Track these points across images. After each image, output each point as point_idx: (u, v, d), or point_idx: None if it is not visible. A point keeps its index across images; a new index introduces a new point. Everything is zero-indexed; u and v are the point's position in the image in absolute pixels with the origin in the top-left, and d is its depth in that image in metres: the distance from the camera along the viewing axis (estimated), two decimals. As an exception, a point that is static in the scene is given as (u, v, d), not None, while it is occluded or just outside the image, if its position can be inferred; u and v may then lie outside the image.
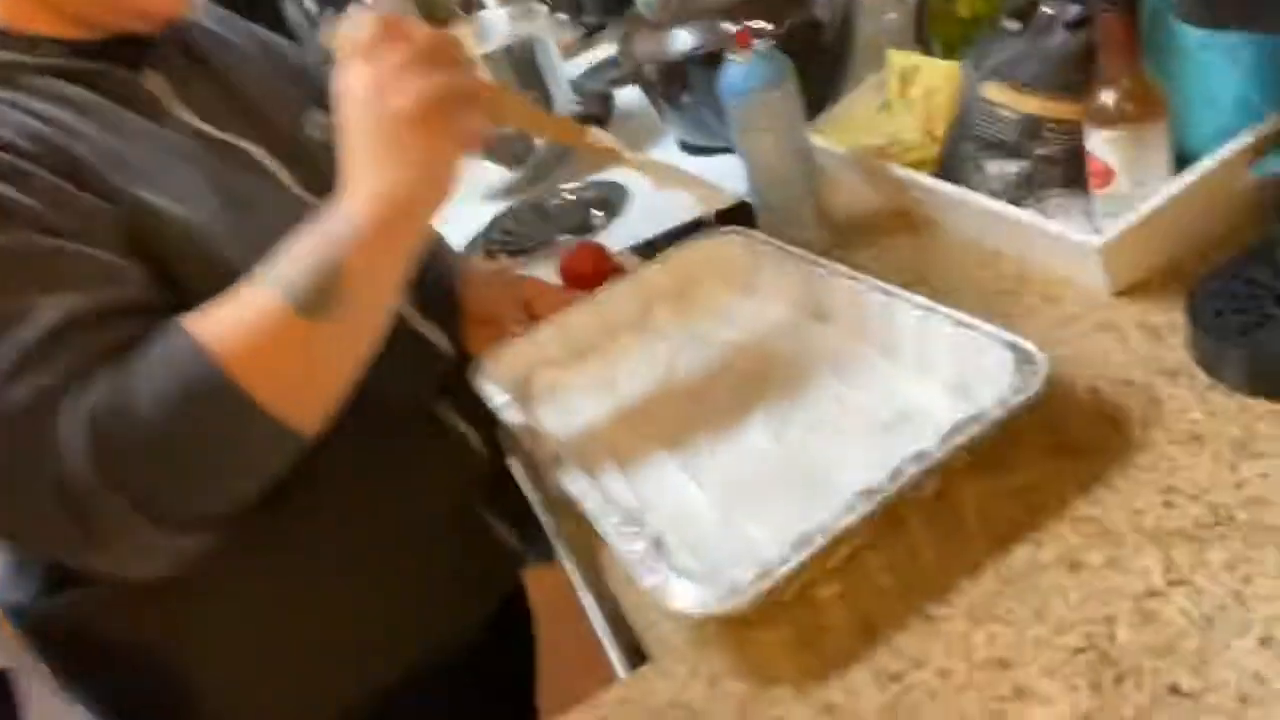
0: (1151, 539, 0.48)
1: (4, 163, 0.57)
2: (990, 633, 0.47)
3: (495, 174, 1.19)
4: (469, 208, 1.17)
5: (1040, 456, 0.54)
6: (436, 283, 0.82)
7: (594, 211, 1.06)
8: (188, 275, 0.62)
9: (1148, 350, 0.59)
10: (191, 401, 0.53)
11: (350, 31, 0.54)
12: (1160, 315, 0.61)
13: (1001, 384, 0.53)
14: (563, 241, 1.02)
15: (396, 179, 0.53)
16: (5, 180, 0.56)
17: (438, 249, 0.89)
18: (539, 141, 1.16)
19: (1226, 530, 0.47)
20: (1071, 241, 0.63)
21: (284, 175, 0.73)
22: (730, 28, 0.93)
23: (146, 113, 0.67)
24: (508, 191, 1.19)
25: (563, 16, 1.77)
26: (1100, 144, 0.62)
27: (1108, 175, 0.62)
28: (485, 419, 0.79)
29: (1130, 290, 0.64)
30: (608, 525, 0.54)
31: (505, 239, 1.07)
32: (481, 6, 1.76)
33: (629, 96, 1.30)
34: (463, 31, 1.23)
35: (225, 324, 0.54)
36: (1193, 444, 0.52)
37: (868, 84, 0.91)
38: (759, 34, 0.80)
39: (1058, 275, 0.67)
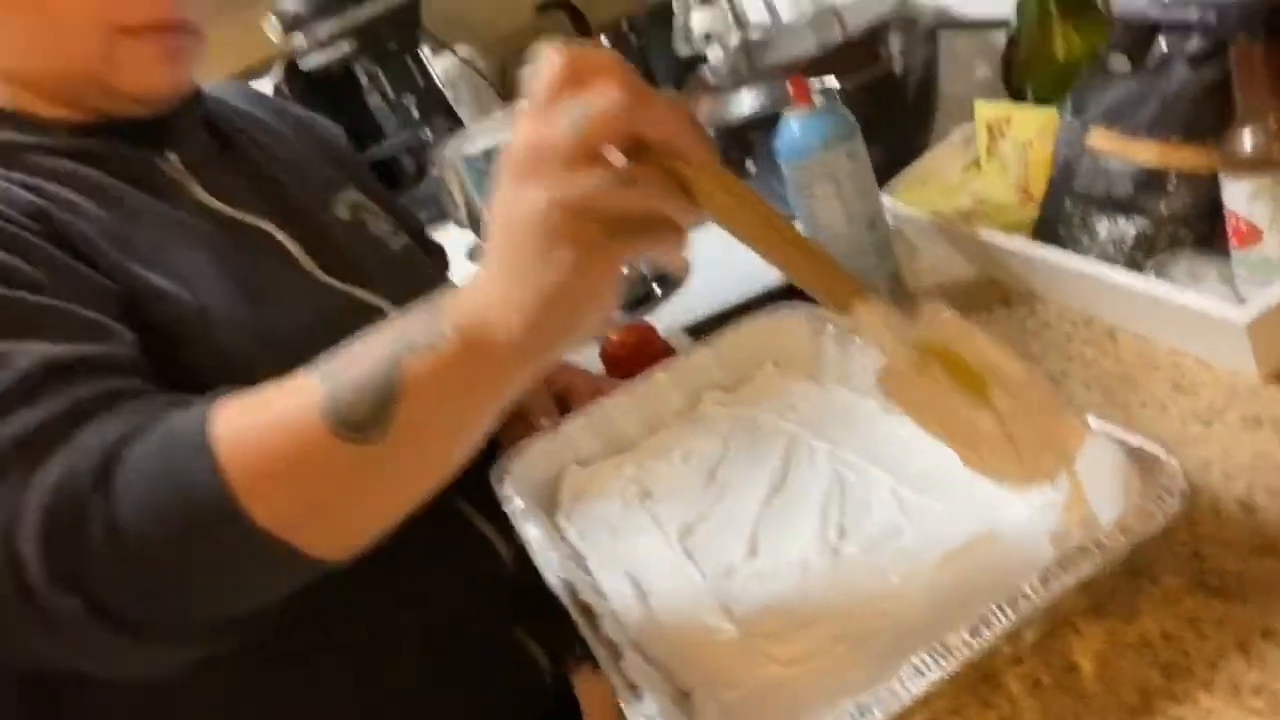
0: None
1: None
2: None
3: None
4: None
5: (1180, 596, 0.42)
6: None
7: (653, 284, 0.98)
8: (195, 363, 0.55)
9: (1316, 453, 0.46)
10: (175, 506, 0.42)
11: (535, 72, 0.38)
12: (1329, 408, 0.48)
13: (1123, 501, 0.41)
14: (612, 320, 0.94)
15: (515, 302, 0.39)
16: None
17: None
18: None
19: None
20: (1210, 316, 0.50)
21: (304, 257, 0.68)
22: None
23: (160, 194, 0.63)
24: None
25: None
26: (1241, 196, 0.50)
27: (1253, 233, 0.50)
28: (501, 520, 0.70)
29: (1287, 376, 0.51)
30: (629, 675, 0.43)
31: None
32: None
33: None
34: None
35: (247, 420, 0.43)
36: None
37: (952, 140, 0.80)
38: (823, 88, 0.72)
39: (1191, 357, 0.55)
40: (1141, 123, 0.57)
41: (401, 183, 1.89)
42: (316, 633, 0.61)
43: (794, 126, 0.66)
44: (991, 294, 0.70)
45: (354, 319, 0.67)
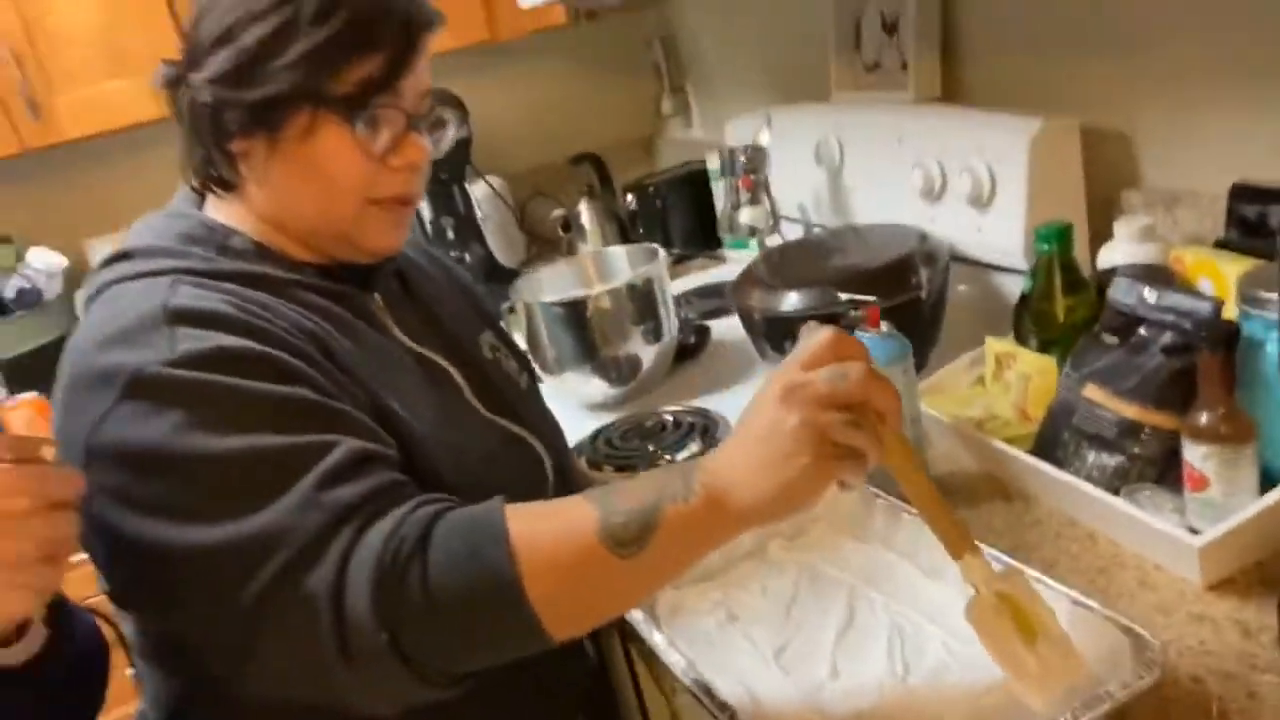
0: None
1: (287, 343, 0.67)
2: None
3: (596, 387, 1.29)
4: (568, 418, 1.27)
5: (1154, 740, 0.60)
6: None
7: (692, 437, 1.15)
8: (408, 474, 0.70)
9: (1241, 645, 0.66)
10: (481, 588, 0.58)
11: (808, 336, 0.59)
12: (1250, 613, 0.68)
13: (1118, 666, 0.60)
14: (665, 463, 1.10)
15: (757, 483, 0.57)
16: (288, 352, 0.67)
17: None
18: (645, 361, 1.27)
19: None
20: (1173, 538, 0.71)
21: (468, 390, 0.84)
22: (842, 296, 1.06)
23: (375, 328, 0.78)
24: (607, 405, 1.29)
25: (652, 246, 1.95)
26: (1197, 456, 0.71)
27: (1202, 482, 0.71)
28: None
29: (1220, 586, 0.71)
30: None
31: (609, 453, 1.16)
32: (580, 227, 1.95)
33: (721, 328, 1.43)
34: (585, 263, 1.38)
35: (538, 532, 0.59)
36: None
37: (962, 361, 1.02)
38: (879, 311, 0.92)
39: (1152, 563, 0.75)
40: (1126, 387, 0.79)
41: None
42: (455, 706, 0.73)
43: (865, 344, 0.86)
44: (993, 489, 0.90)
45: (510, 449, 0.84)
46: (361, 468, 0.62)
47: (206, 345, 0.63)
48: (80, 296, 0.87)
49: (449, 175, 1.87)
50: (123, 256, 0.72)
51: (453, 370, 0.84)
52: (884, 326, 0.87)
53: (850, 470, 0.58)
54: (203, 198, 0.78)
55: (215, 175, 0.75)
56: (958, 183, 1.14)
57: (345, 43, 0.70)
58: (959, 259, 1.18)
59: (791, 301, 1.12)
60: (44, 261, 1.80)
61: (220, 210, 0.77)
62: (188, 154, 0.76)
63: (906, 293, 1.06)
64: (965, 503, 0.89)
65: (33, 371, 1.75)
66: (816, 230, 1.44)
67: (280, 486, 0.60)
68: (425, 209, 1.91)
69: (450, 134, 0.82)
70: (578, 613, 0.61)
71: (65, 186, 1.95)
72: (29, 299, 1.74)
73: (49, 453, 0.55)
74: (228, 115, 0.71)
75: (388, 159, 0.74)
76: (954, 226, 1.18)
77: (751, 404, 0.60)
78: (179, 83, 0.74)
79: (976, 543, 0.63)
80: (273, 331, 0.67)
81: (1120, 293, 0.82)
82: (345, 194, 0.75)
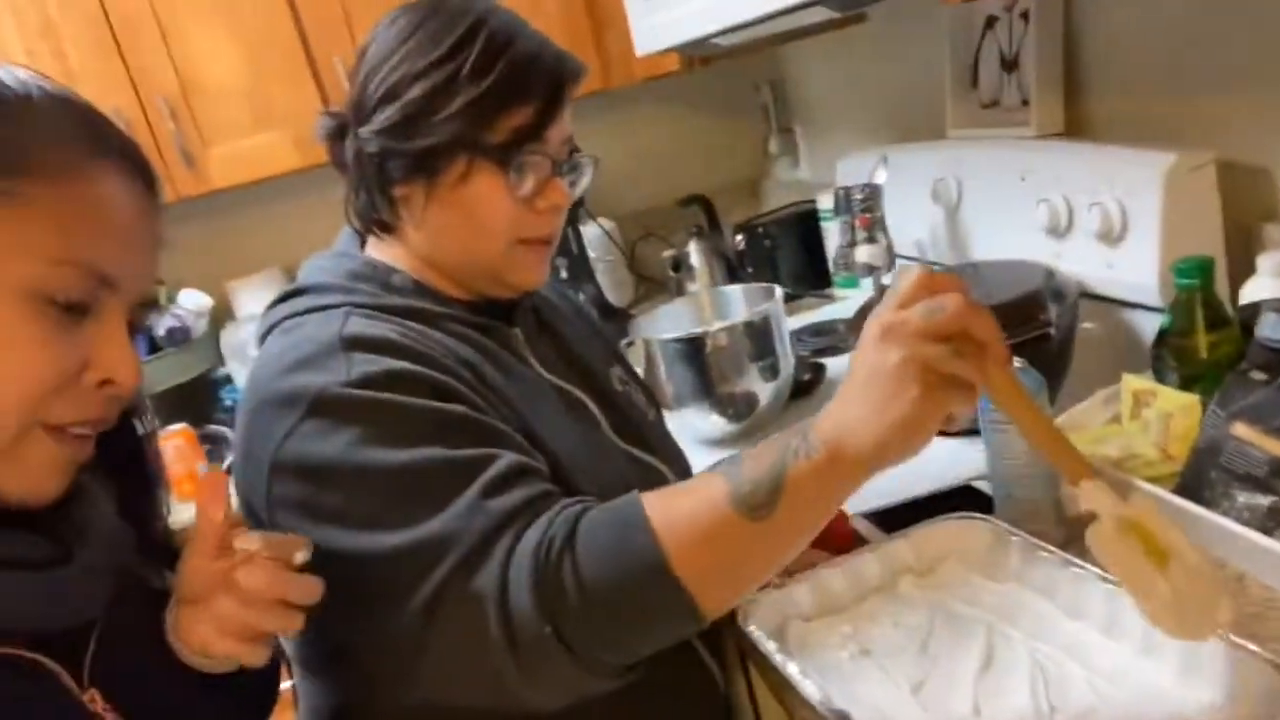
0: None
1: (448, 368, 0.73)
2: None
3: (714, 422, 1.31)
4: (685, 451, 1.29)
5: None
6: None
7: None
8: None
9: None
10: (630, 573, 0.62)
11: (902, 278, 0.60)
12: None
13: (1276, 709, 0.58)
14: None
15: (871, 425, 0.58)
16: (450, 375, 0.72)
17: None
18: (762, 398, 1.28)
19: None
20: (1336, 582, 0.68)
21: (603, 420, 0.87)
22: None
23: (518, 359, 0.82)
24: (724, 441, 1.31)
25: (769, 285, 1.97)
26: (1362, 496, 0.68)
27: (1368, 524, 0.68)
28: (720, 657, 0.86)
29: (1389, 634, 0.68)
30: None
31: (728, 486, 1.17)
32: (689, 266, 1.98)
33: (834, 366, 1.43)
34: (702, 301, 1.41)
35: (675, 512, 0.63)
36: None
37: (1097, 398, 1.00)
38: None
39: (1310, 609, 0.72)
40: (1277, 424, 0.76)
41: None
42: None
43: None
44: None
45: (644, 476, 0.87)
46: (519, 479, 0.67)
47: (378, 368, 0.68)
48: (250, 330, 0.94)
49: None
50: (298, 292, 0.79)
51: (589, 401, 0.88)
52: (1016, 361, 0.86)
53: (959, 400, 0.58)
54: (364, 239, 0.84)
55: (377, 218, 0.80)
56: (1086, 218, 1.13)
57: (501, 95, 0.75)
58: (1087, 296, 1.16)
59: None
60: (193, 302, 1.92)
61: (380, 250, 0.83)
62: (352, 198, 0.82)
63: (1034, 329, 1.04)
64: (1103, 543, 0.87)
65: (181, 404, 1.87)
66: (935, 268, 1.44)
67: (449, 495, 0.64)
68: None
69: (587, 177, 0.87)
70: (725, 582, 0.64)
71: (209, 232, 2.09)
72: (178, 337, 1.87)
73: (301, 557, 0.62)
74: (392, 164, 0.77)
75: (534, 202, 0.79)
76: (1082, 263, 1.16)
77: (855, 351, 0.61)
78: (343, 134, 0.80)
79: (1095, 468, 0.61)
80: (435, 357, 0.72)
81: (1269, 328, 0.80)
82: (495, 235, 0.80)
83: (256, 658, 0.62)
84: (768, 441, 0.64)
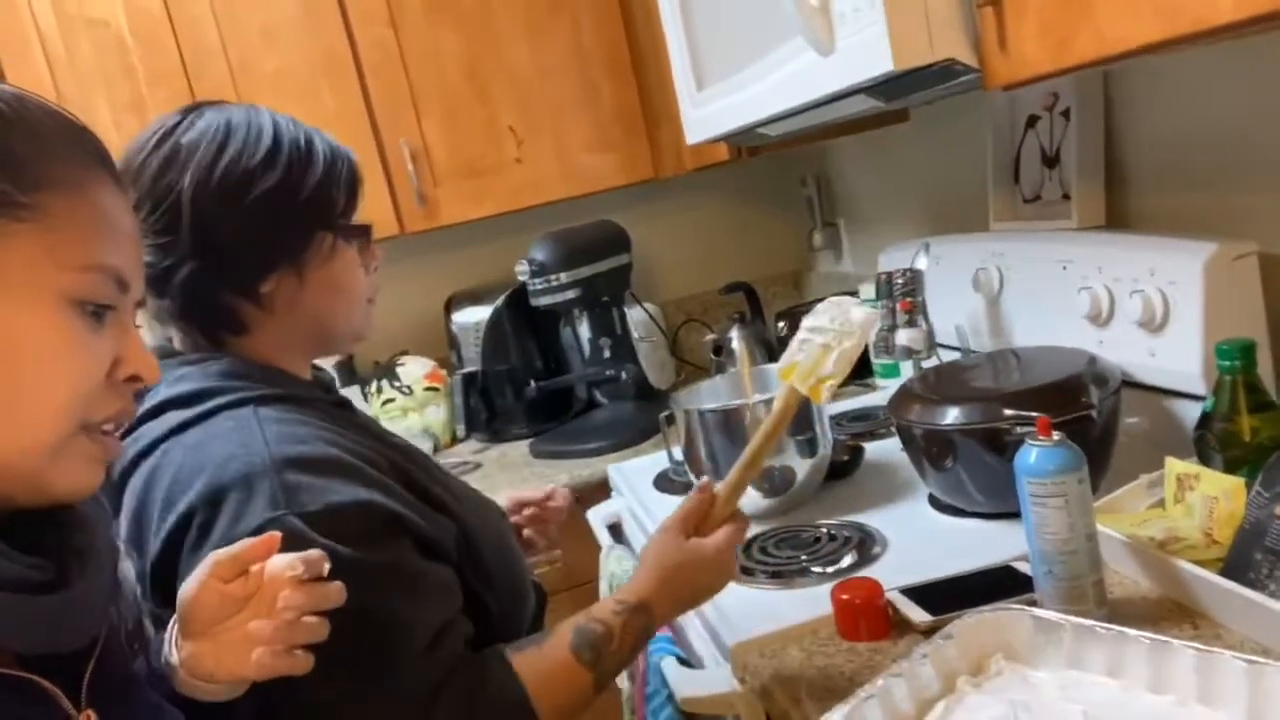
0: None
1: (381, 482, 0.84)
2: None
3: (750, 496, 1.31)
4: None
5: None
6: None
7: (847, 549, 1.14)
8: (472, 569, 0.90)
9: None
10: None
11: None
12: None
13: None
14: (816, 573, 1.10)
15: (670, 610, 0.88)
16: (390, 495, 0.83)
17: None
18: (799, 474, 1.28)
19: None
20: (1389, 666, 0.66)
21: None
22: (1006, 411, 1.06)
23: (368, 423, 0.97)
24: (760, 516, 1.30)
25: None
26: None
27: None
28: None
29: None
30: None
31: (762, 559, 1.16)
32: (731, 351, 2.01)
33: (873, 450, 1.43)
34: (743, 377, 1.42)
35: (540, 678, 0.81)
36: None
37: (1141, 482, 0.99)
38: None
39: (1365, 696, 0.69)
40: (1326, 505, 0.75)
41: (572, 406, 2.13)
42: None
43: (1039, 453, 0.85)
44: (1179, 615, 0.86)
45: (489, 504, 1.04)
46: (447, 640, 0.81)
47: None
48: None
49: (609, 298, 1.98)
50: (184, 401, 0.86)
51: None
52: (1055, 436, 0.86)
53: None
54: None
55: (228, 322, 0.88)
56: (1128, 306, 1.13)
57: (332, 176, 0.88)
58: (1130, 385, 1.16)
59: (953, 416, 1.12)
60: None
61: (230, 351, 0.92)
62: (184, 325, 0.91)
63: (1076, 410, 1.04)
64: (1148, 628, 0.84)
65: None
66: (974, 354, 1.44)
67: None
68: (585, 328, 2.02)
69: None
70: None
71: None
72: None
73: (327, 567, 0.68)
74: (251, 264, 0.86)
75: (368, 265, 0.94)
76: (1124, 351, 1.16)
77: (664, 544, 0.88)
78: (168, 275, 0.86)
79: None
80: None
81: (1314, 410, 0.79)
82: (359, 299, 0.94)
83: (306, 664, 0.66)
84: (599, 608, 0.86)
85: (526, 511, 1.19)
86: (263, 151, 0.84)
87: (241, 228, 0.83)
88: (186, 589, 0.67)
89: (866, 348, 1.83)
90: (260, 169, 0.83)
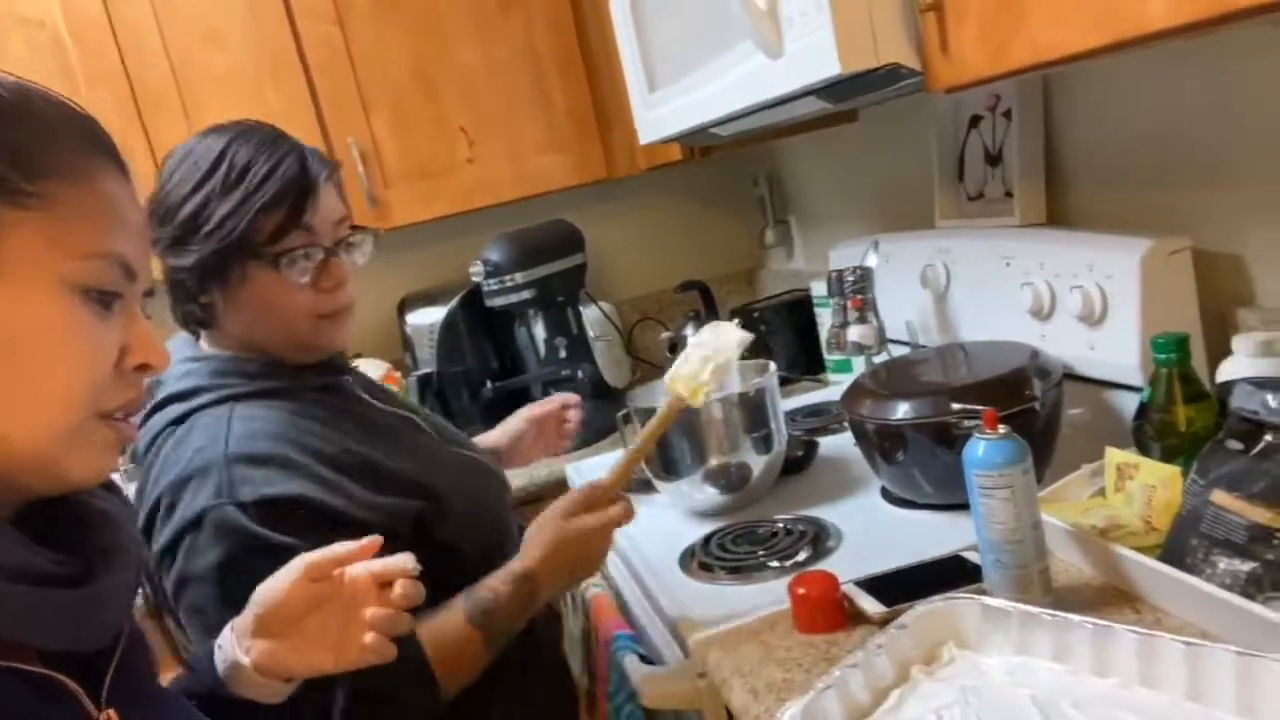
0: None
1: (325, 478, 0.93)
2: None
3: (707, 494, 1.32)
4: (679, 524, 1.30)
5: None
6: None
7: (803, 543, 1.16)
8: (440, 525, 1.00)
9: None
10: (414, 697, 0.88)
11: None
12: None
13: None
14: (774, 567, 1.11)
15: (554, 580, 0.96)
16: (328, 490, 0.91)
17: None
18: (755, 470, 1.30)
19: None
20: (1316, 643, 0.69)
21: (432, 431, 1.09)
22: (954, 405, 1.08)
23: (362, 404, 1.04)
24: (717, 512, 1.32)
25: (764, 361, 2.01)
26: (1337, 559, 0.70)
27: (1345, 588, 0.70)
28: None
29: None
30: None
31: (720, 556, 1.18)
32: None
33: (826, 445, 1.45)
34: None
35: (435, 636, 0.89)
36: None
37: (1083, 472, 1.02)
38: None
39: (1294, 673, 0.73)
40: (1255, 491, 0.78)
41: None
42: None
43: (985, 446, 0.88)
44: (1121, 600, 0.89)
45: (474, 469, 1.13)
46: None
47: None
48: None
49: (564, 298, 1.98)
50: (179, 397, 0.98)
51: (419, 420, 1.08)
52: (1001, 429, 0.89)
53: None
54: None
55: (195, 319, 0.99)
56: (1068, 301, 1.17)
57: (250, 204, 0.91)
58: (1071, 377, 1.19)
59: (904, 411, 1.15)
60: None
61: (212, 342, 1.02)
62: (175, 307, 1.00)
63: (1020, 404, 1.07)
64: (1091, 613, 0.87)
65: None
66: (924, 349, 1.48)
67: None
68: (540, 328, 2.02)
69: (369, 245, 1.01)
70: (464, 681, 0.93)
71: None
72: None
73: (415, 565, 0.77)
74: (186, 278, 0.95)
75: (319, 284, 0.95)
76: (1065, 344, 1.20)
77: (558, 527, 0.96)
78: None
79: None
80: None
81: (1243, 399, 0.82)
82: (295, 319, 0.97)
83: (394, 651, 0.75)
84: (493, 579, 0.95)
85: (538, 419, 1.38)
86: (188, 185, 0.92)
87: (169, 253, 0.94)
88: (273, 589, 0.73)
89: (820, 347, 1.86)
90: (181, 201, 0.92)
